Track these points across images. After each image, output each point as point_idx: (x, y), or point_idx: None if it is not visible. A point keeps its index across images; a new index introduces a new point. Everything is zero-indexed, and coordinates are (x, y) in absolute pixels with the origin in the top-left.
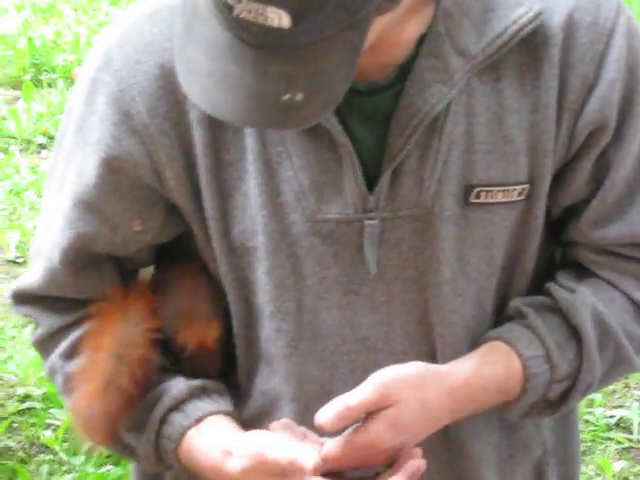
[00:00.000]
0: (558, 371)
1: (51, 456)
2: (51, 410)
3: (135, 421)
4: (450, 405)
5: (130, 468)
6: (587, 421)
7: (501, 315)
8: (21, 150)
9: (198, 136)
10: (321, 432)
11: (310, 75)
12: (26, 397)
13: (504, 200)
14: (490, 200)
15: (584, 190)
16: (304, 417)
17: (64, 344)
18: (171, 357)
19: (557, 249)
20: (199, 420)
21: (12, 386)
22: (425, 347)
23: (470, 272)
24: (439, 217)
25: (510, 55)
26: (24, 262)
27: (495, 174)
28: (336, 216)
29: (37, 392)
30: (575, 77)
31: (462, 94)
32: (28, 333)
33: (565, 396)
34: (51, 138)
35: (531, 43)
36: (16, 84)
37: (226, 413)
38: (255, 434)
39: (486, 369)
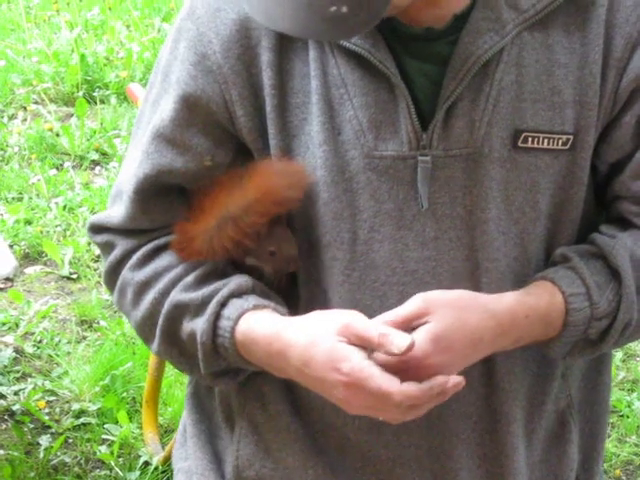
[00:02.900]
0: (598, 308)
1: (107, 471)
2: (106, 425)
3: (198, 308)
4: (493, 328)
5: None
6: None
7: (548, 262)
8: (74, 166)
9: (267, 78)
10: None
11: None
12: (81, 412)
13: (549, 147)
14: (536, 145)
15: (629, 145)
16: None
17: (135, 257)
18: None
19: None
20: (257, 307)
21: (67, 402)
22: (470, 284)
23: (514, 213)
24: (488, 157)
25: (560, 14)
26: (78, 278)
27: (542, 121)
28: (392, 153)
29: (92, 408)
30: (620, 36)
31: (514, 46)
32: (83, 348)
33: (605, 335)
34: (104, 154)
35: (580, 4)
36: (69, 101)
37: (282, 314)
38: (335, 312)
39: (529, 298)
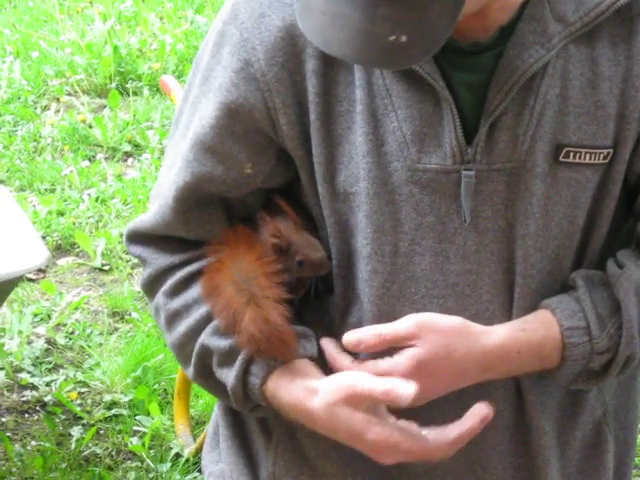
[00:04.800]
0: (598, 343)
1: (138, 463)
2: (138, 417)
3: (226, 357)
4: (479, 361)
5: (214, 410)
6: None
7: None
8: (107, 158)
9: (312, 86)
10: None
11: (415, 20)
12: (113, 404)
13: (591, 162)
14: (578, 160)
15: None
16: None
17: (169, 282)
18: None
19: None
20: (285, 361)
21: (99, 393)
22: (508, 296)
23: (552, 229)
24: (530, 172)
25: (606, 26)
26: (110, 269)
27: (585, 136)
28: (435, 166)
29: (124, 399)
30: None
31: (559, 59)
32: (114, 340)
33: (607, 367)
34: (137, 146)
35: (626, 16)
36: (102, 92)
37: (311, 358)
38: (341, 373)
39: (522, 334)
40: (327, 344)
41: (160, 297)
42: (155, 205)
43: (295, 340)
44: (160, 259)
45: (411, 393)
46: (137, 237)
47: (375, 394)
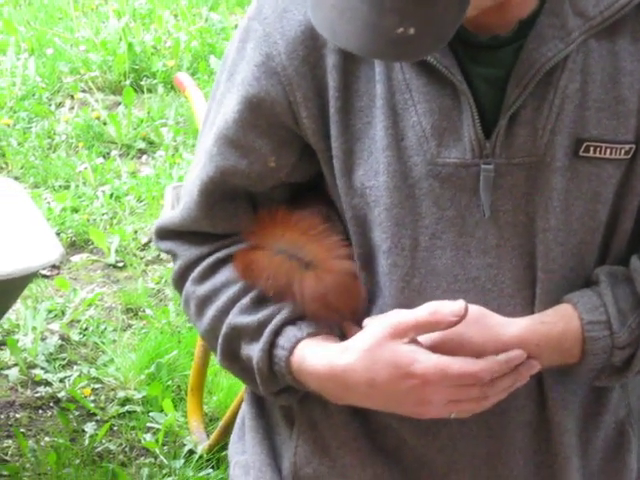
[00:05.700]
0: (619, 338)
1: (151, 459)
2: (151, 414)
3: (254, 333)
4: (496, 352)
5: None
6: None
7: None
8: (121, 155)
9: (332, 80)
10: None
11: (423, 12)
12: (126, 400)
13: (612, 157)
14: (598, 155)
15: None
16: None
17: (197, 270)
18: None
19: None
20: (312, 335)
21: (113, 389)
22: (530, 292)
23: (573, 223)
24: (550, 166)
25: (628, 20)
26: (124, 266)
27: (605, 131)
28: (455, 160)
29: (137, 395)
30: None
31: (579, 53)
32: (128, 336)
33: (629, 363)
34: (151, 143)
35: None
36: (116, 89)
37: (337, 336)
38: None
39: (542, 327)
40: (349, 326)
41: (189, 285)
42: (181, 203)
43: (364, 291)
44: (189, 250)
45: (462, 306)
46: (166, 233)
47: (421, 319)
